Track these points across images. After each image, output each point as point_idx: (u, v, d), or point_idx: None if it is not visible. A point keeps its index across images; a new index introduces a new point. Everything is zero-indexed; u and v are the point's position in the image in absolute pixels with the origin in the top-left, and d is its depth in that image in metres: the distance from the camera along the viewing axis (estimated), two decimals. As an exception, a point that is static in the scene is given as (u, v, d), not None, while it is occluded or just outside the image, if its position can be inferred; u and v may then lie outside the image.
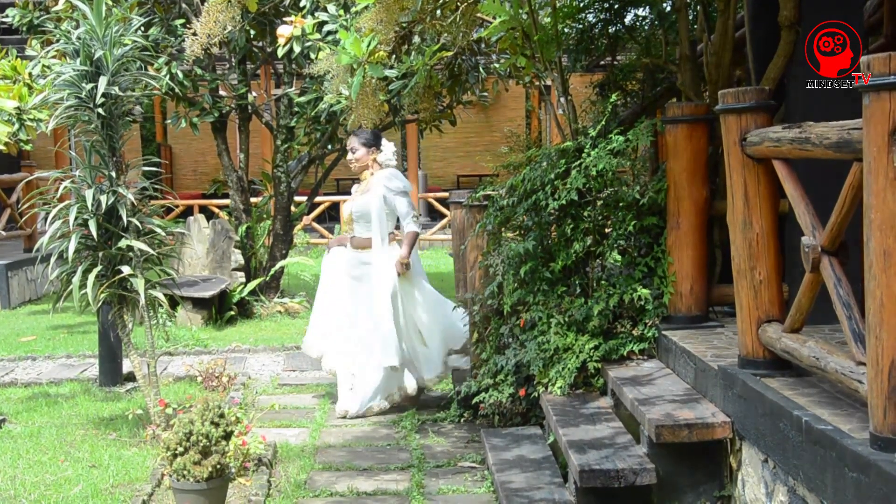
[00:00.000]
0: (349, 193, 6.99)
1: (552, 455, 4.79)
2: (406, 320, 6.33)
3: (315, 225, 16.40)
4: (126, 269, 5.42)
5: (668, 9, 6.31)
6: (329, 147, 10.26)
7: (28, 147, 8.14)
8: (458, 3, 5.22)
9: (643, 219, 5.11)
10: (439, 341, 6.44)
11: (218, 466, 4.28)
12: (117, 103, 5.52)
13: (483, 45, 8.43)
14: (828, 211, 3.20)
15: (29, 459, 5.35)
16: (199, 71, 9.44)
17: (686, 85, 5.47)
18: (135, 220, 5.48)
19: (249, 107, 10.26)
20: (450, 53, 6.01)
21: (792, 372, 3.76)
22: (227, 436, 4.47)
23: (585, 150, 5.07)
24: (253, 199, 11.20)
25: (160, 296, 5.61)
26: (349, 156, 6.49)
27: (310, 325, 6.58)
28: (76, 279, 5.42)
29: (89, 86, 5.38)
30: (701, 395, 4.31)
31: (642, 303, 4.99)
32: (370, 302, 6.26)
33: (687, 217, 4.94)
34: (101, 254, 5.47)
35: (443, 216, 17.11)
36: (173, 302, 5.98)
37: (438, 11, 5.30)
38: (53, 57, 7.45)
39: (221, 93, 10.18)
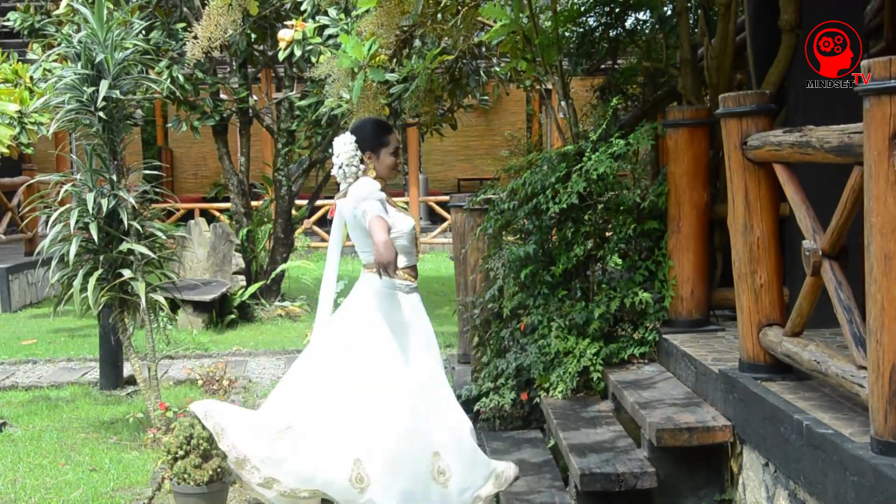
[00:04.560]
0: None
1: (553, 459, 4.79)
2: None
3: (316, 228, 16.40)
4: (127, 273, 5.43)
5: (669, 13, 6.31)
6: (330, 150, 10.25)
7: (29, 150, 8.15)
8: (459, 7, 5.23)
9: (644, 222, 5.11)
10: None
11: (218, 470, 4.27)
12: (118, 107, 5.53)
13: (484, 49, 8.45)
14: (828, 215, 3.20)
15: (29, 463, 5.35)
16: (200, 74, 9.45)
17: (687, 89, 5.47)
18: (136, 224, 5.48)
19: (250, 110, 10.27)
20: (450, 57, 6.02)
21: (793, 376, 3.76)
22: (228, 439, 4.46)
23: (586, 154, 5.07)
24: (254, 203, 11.21)
25: (161, 299, 5.61)
26: (399, 164, 4.30)
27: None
28: (77, 282, 5.42)
29: (90, 89, 5.39)
30: (702, 398, 4.30)
31: (643, 306, 4.99)
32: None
33: (688, 221, 4.94)
34: (101, 257, 5.47)
35: (443, 220, 17.11)
36: (174, 305, 5.97)
37: (439, 15, 5.30)
38: (55, 60, 7.47)
39: (222, 96, 10.19)
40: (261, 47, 10.01)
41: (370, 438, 3.93)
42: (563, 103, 5.69)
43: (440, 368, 4.21)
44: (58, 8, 8.37)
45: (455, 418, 4.11)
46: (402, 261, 4.09)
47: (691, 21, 5.85)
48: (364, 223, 3.90)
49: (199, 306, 9.51)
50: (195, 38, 5.18)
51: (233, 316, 9.87)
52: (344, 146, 4.13)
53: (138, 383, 5.75)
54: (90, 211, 5.36)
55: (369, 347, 4.06)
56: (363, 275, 4.17)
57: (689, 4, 5.82)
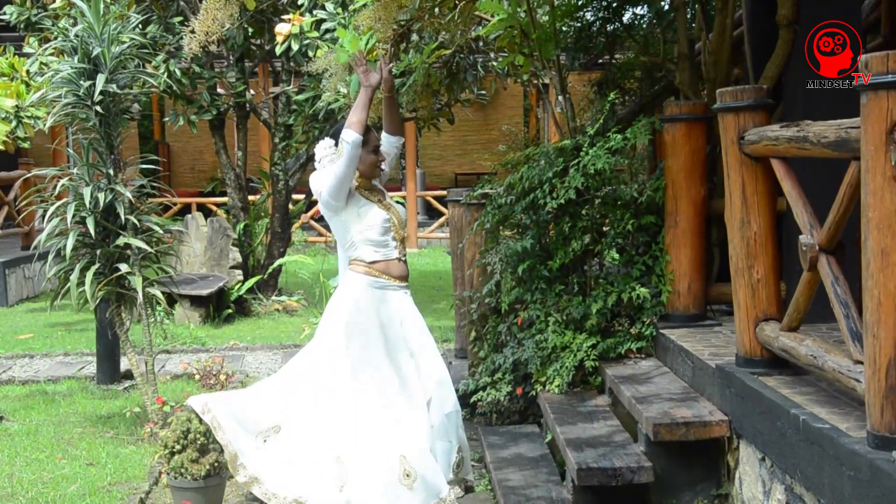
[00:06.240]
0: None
1: (550, 453, 4.79)
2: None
3: (313, 223, 16.39)
4: (124, 267, 5.42)
5: (667, 7, 6.31)
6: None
7: (26, 144, 8.13)
8: (457, 1, 5.22)
9: (641, 217, 5.11)
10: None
11: (216, 464, 4.27)
12: (115, 101, 5.52)
13: (481, 44, 8.42)
14: (825, 210, 3.20)
15: (26, 457, 5.34)
16: (197, 69, 9.43)
17: (684, 83, 5.47)
18: (133, 218, 5.48)
19: (247, 105, 10.25)
20: (448, 51, 6.01)
21: (789, 370, 3.76)
22: (225, 434, 4.46)
23: (584, 149, 5.07)
24: (251, 197, 11.19)
25: (158, 293, 5.61)
26: (381, 162, 4.34)
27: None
28: (74, 277, 5.42)
29: (87, 83, 5.38)
30: (699, 393, 4.31)
31: (640, 301, 4.99)
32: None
33: (685, 215, 4.94)
34: (98, 251, 5.46)
35: (440, 214, 17.09)
36: (171, 300, 5.98)
37: (437, 9, 5.29)
38: (51, 54, 7.45)
39: (219, 91, 10.16)
40: (258, 42, 9.99)
41: (348, 440, 3.96)
42: (560, 98, 5.68)
43: (431, 359, 4.22)
44: (54, 1, 8.35)
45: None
46: (371, 255, 4.15)
47: (689, 16, 5.85)
48: (337, 172, 4.02)
49: (196, 301, 9.51)
50: (192, 32, 5.17)
51: (230, 310, 9.86)
52: (324, 150, 4.21)
53: (135, 378, 5.75)
54: (87, 205, 5.35)
55: (338, 348, 4.11)
56: (347, 273, 4.20)
57: (686, -1, 5.82)
